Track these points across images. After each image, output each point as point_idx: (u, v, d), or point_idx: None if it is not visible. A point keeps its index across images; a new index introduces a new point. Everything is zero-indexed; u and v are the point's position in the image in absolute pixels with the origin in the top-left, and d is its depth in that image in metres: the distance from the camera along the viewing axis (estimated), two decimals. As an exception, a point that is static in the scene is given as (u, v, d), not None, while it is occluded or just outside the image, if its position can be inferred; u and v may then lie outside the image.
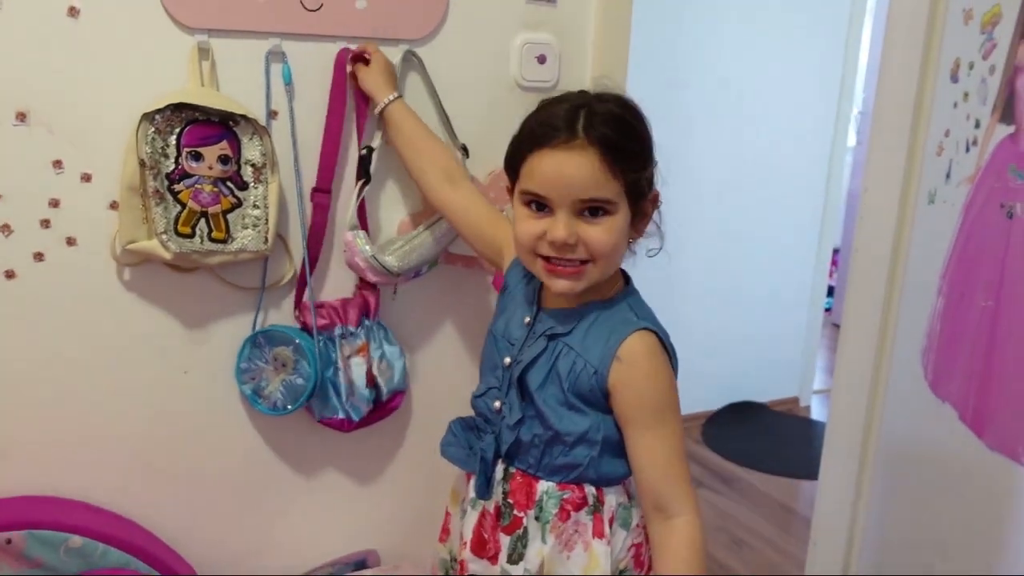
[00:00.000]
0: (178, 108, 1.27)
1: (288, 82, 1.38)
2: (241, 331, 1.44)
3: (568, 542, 1.15)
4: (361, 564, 1.61)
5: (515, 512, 1.17)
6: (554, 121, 1.05)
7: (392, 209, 1.50)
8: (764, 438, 3.24)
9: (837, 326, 2.30)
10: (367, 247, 1.40)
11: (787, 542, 2.50)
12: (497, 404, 1.18)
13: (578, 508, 1.16)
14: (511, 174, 1.12)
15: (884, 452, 2.07)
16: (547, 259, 1.08)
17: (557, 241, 1.04)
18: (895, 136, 2.02)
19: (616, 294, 1.16)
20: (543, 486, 1.16)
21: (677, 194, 2.97)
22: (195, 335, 1.42)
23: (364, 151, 1.41)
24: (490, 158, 1.52)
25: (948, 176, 1.80)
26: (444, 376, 1.63)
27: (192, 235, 1.31)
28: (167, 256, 1.30)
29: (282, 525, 1.57)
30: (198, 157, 1.29)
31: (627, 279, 1.20)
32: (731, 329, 3.40)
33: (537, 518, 1.16)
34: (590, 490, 1.16)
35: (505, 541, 1.17)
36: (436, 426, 1.61)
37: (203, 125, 1.29)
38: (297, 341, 1.41)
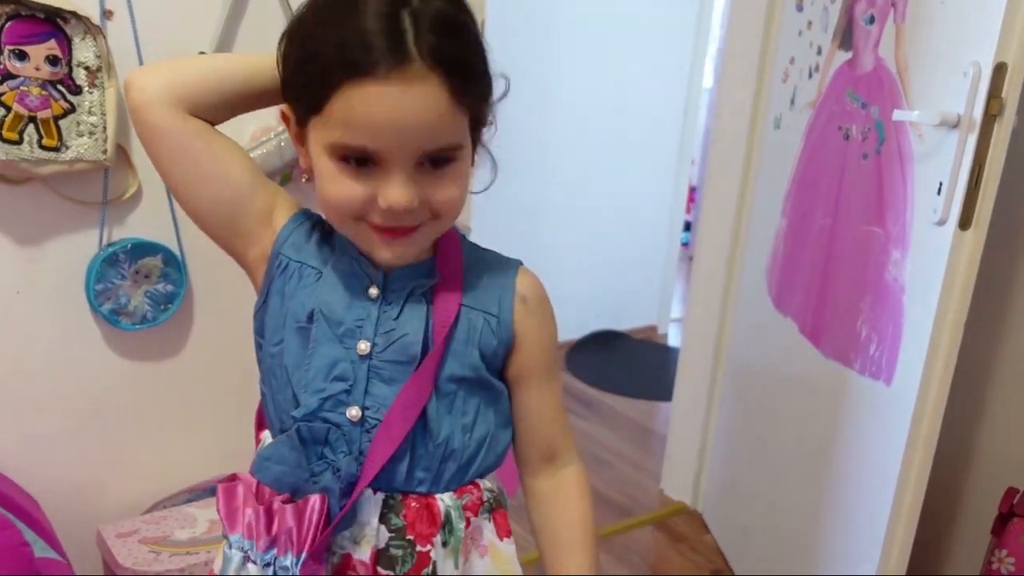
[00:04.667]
0: (-2, 1, 1.16)
1: (125, -20, 1.29)
2: (82, 248, 1.36)
3: (464, 552, 0.90)
4: (219, 490, 1.57)
5: (418, 549, 0.86)
6: (369, 33, 0.70)
7: (243, 117, 1.43)
8: (624, 364, 3.36)
9: (693, 259, 2.40)
10: None
11: (646, 460, 2.62)
12: (354, 412, 0.83)
13: (477, 511, 0.91)
14: (304, 105, 0.77)
15: (732, 370, 2.19)
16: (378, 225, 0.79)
17: (397, 209, 0.75)
18: (745, 64, 2.09)
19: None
20: (445, 502, 0.88)
21: (537, 128, 3.05)
22: (28, 252, 1.33)
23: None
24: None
25: (792, 102, 1.89)
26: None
27: (20, 142, 1.21)
28: (-9, 165, 1.21)
29: (134, 452, 1.51)
30: (23, 56, 1.19)
31: None
32: (594, 263, 3.51)
33: (445, 544, 0.87)
34: (484, 484, 0.91)
35: None
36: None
37: (27, 21, 1.19)
38: (166, 249, 1.41)
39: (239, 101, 0.86)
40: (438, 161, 0.76)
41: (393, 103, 0.71)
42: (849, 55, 1.63)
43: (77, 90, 1.24)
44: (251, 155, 1.38)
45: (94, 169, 1.30)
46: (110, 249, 1.37)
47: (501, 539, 0.92)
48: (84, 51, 1.24)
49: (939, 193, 1.31)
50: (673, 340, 3.74)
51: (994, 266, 1.48)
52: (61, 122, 1.24)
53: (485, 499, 0.91)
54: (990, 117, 1.24)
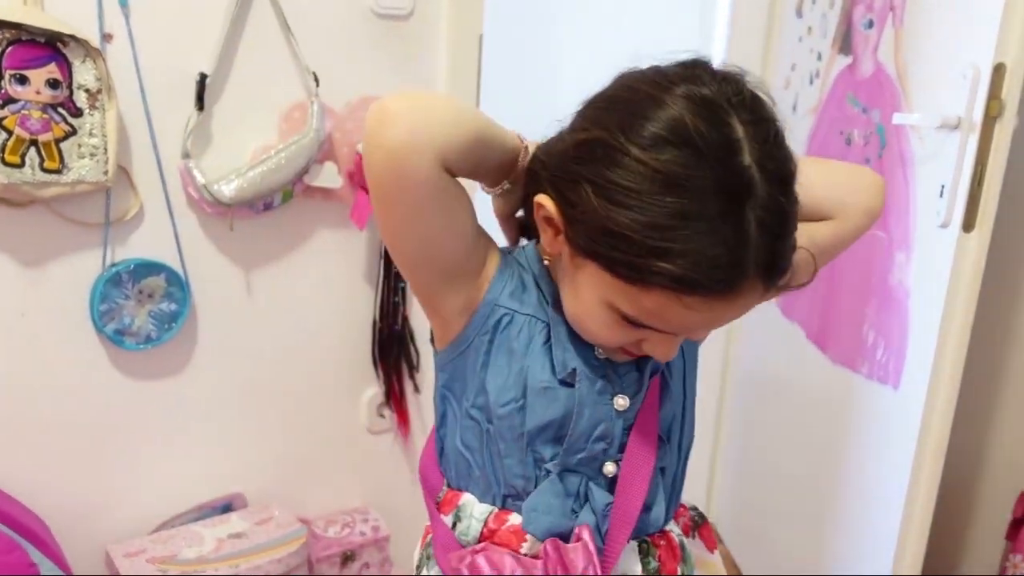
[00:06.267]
0: (-3, 26, 1.18)
1: (124, 4, 1.30)
2: (85, 269, 1.37)
3: None
4: (227, 508, 1.57)
5: None
6: (717, 254, 0.65)
7: (244, 136, 1.44)
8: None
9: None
10: (200, 176, 1.35)
11: (655, 470, 2.60)
12: (610, 468, 0.81)
13: (688, 532, 0.91)
14: (596, 260, 0.70)
15: (740, 376, 2.18)
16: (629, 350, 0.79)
17: (661, 360, 0.78)
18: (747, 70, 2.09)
19: None
20: (676, 532, 0.88)
21: (540, 136, 3.04)
22: (32, 275, 1.34)
23: (198, 78, 1.35)
24: (345, 86, 1.49)
25: (795, 108, 1.88)
26: (296, 315, 1.59)
27: (21, 165, 1.22)
28: (-6, 188, 1.22)
29: (141, 471, 1.51)
30: (23, 80, 1.20)
31: None
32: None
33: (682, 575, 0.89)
34: (688, 503, 0.92)
35: None
36: (290, 367, 1.61)
37: (28, 46, 1.20)
38: (169, 268, 1.42)
39: (479, 171, 0.77)
40: None
41: (715, 314, 0.69)
42: (849, 60, 1.63)
43: (78, 112, 1.25)
44: (252, 173, 1.39)
45: (96, 190, 1.31)
46: (113, 269, 1.37)
47: (711, 552, 0.92)
48: (84, 74, 1.24)
49: (941, 196, 1.30)
50: (683, 349, 3.73)
51: (999, 267, 1.47)
52: (62, 144, 1.25)
53: (692, 517, 0.91)
54: (990, 118, 1.23)
